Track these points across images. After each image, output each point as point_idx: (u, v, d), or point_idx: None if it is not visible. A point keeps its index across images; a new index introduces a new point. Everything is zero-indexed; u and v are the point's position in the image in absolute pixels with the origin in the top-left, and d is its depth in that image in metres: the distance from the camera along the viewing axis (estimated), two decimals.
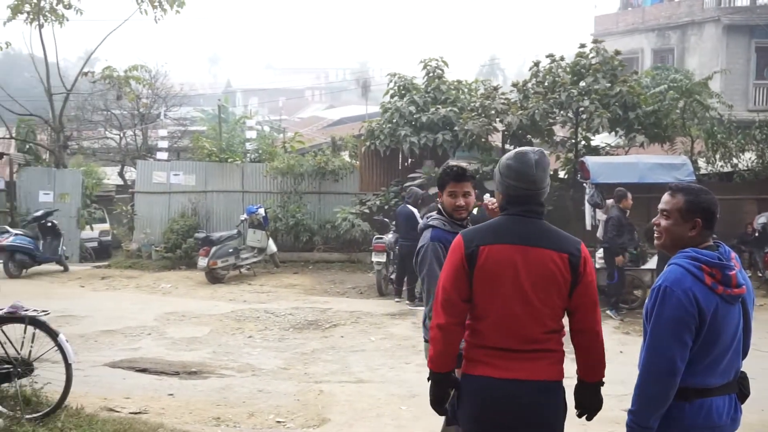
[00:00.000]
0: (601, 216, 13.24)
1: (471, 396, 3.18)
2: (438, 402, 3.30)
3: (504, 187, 3.22)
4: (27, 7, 17.81)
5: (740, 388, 3.00)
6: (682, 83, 15.77)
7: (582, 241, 3.20)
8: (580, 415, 3.28)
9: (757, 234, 13.43)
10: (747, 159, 14.98)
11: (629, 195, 12.01)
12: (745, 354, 3.02)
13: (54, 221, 16.02)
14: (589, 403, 3.23)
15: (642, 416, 2.87)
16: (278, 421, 7.02)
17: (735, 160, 15.03)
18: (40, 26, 18.11)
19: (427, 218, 4.68)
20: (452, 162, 16.58)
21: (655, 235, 3.06)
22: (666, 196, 3.01)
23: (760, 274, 13.19)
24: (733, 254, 2.97)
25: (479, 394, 3.15)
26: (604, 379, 3.22)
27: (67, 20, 18.37)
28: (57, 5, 17.88)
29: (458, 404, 3.27)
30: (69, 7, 18.02)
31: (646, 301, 2.98)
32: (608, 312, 11.76)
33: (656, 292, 2.88)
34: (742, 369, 3.01)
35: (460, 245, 3.14)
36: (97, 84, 20.32)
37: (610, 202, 12.15)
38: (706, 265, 2.83)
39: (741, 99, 22.27)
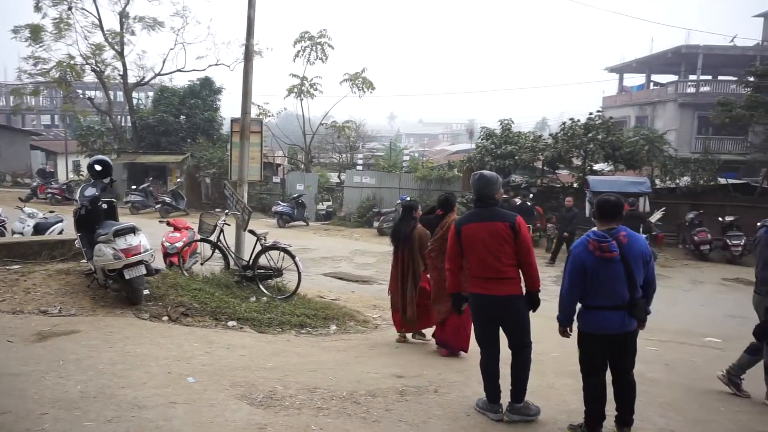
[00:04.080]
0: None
1: (472, 304, 4.47)
2: (456, 308, 4.72)
3: (474, 192, 4.47)
4: (295, 90, 25.96)
5: (630, 309, 3.89)
6: (647, 136, 20.83)
7: (518, 215, 4.38)
8: (533, 311, 4.38)
9: (687, 223, 17.55)
10: (685, 180, 19.68)
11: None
12: (647, 290, 3.90)
13: (303, 199, 21.80)
14: (534, 303, 4.39)
15: (562, 317, 4.10)
16: None
17: (677, 181, 19.68)
18: (301, 99, 26.13)
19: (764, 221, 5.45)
20: (513, 176, 20.64)
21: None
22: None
23: (688, 246, 17.06)
24: (622, 232, 3.86)
25: (475, 303, 4.40)
26: (540, 289, 4.26)
27: (313, 96, 26.40)
28: (309, 89, 26.00)
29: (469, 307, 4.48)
30: (315, 89, 26.10)
31: None
32: None
33: (569, 253, 3.96)
34: (641, 297, 3.86)
35: (453, 228, 4.40)
36: (328, 129, 27.52)
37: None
38: (592, 239, 3.84)
39: (687, 146, 26.91)
